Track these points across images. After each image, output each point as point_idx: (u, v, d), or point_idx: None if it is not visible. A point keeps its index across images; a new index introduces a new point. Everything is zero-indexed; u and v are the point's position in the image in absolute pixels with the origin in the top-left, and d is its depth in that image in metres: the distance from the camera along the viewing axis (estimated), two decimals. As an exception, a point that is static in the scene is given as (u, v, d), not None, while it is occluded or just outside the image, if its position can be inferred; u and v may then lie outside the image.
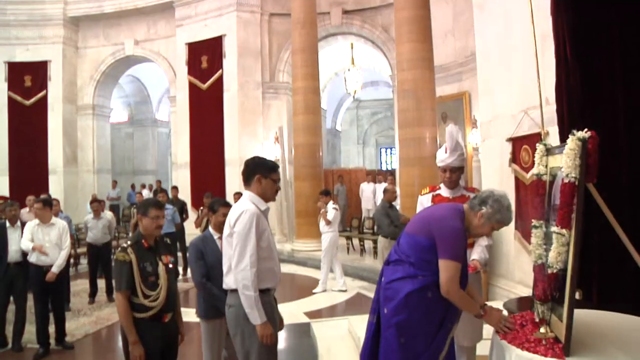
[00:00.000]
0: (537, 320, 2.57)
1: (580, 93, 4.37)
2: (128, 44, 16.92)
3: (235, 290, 3.26)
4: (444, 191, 3.94)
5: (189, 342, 5.84)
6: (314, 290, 8.94)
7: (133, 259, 3.44)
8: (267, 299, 3.31)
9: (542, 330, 2.44)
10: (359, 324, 5.93)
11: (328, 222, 8.96)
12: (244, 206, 3.29)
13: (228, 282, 3.32)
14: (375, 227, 11.09)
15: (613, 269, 4.11)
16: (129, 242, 3.55)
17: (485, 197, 2.82)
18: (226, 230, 3.34)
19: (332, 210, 9.01)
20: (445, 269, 2.71)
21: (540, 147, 2.84)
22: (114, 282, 3.53)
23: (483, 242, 3.84)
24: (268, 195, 3.42)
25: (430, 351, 2.74)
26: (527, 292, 5.61)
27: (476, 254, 3.80)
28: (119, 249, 3.55)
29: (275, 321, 3.38)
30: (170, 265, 3.68)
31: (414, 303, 2.76)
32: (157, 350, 3.52)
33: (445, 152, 3.85)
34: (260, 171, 3.40)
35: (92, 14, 16.85)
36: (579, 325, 2.31)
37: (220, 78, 14.72)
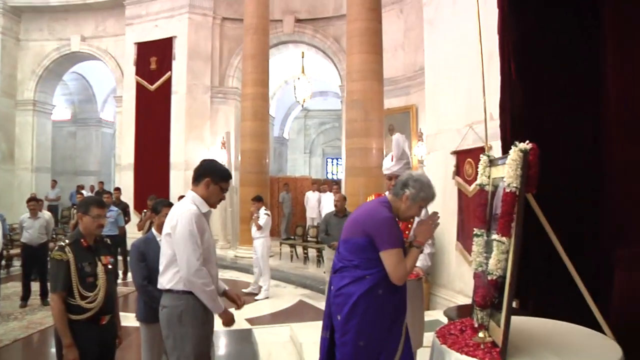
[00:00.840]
0: (476, 325, 2.64)
1: (523, 109, 4.54)
2: (74, 40, 16.45)
3: (169, 291, 3.20)
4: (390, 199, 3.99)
5: (127, 348, 5.69)
6: (256, 297, 8.92)
7: (71, 258, 3.31)
8: (202, 303, 3.23)
9: (480, 335, 2.50)
10: (301, 330, 5.94)
11: (259, 227, 9.00)
12: (185, 206, 3.22)
13: (162, 281, 3.24)
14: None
15: (549, 279, 4.27)
16: (66, 241, 3.40)
17: (406, 180, 2.94)
18: (166, 228, 3.25)
19: (264, 215, 9.05)
20: (388, 257, 2.78)
21: (483, 159, 2.93)
22: (49, 283, 3.37)
23: (426, 250, 3.94)
24: (212, 201, 3.34)
25: (389, 348, 2.80)
26: (467, 301, 5.75)
27: (419, 261, 3.88)
28: (56, 247, 3.40)
29: (207, 330, 3.34)
30: (110, 267, 3.56)
31: (367, 304, 2.79)
32: (93, 354, 3.38)
33: (392, 160, 3.92)
34: (211, 175, 3.31)
35: (36, 5, 16.31)
36: (515, 331, 2.38)
37: (169, 80, 14.52)
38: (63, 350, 3.28)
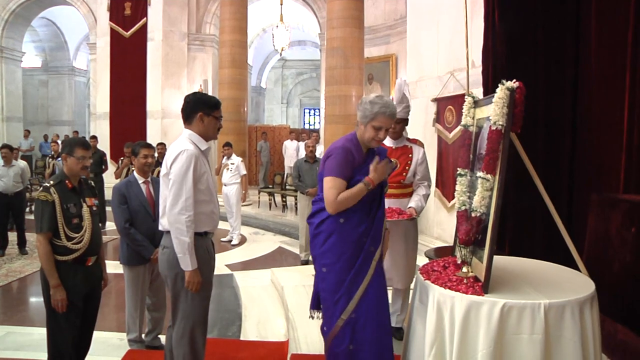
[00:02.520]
0: (459, 262, 2.72)
1: (505, 58, 4.56)
2: (43, -18, 15.83)
3: (169, 232, 3.10)
4: (387, 141, 4.03)
5: (107, 294, 5.74)
6: (232, 243, 9.06)
7: (56, 199, 3.28)
8: (205, 242, 3.20)
9: (464, 270, 2.58)
10: (282, 274, 6.05)
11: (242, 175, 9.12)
12: (182, 146, 3.07)
13: (163, 223, 3.15)
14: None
15: (524, 220, 4.41)
16: (51, 182, 3.36)
17: (358, 105, 2.96)
18: (163, 169, 3.15)
19: (240, 163, 9.11)
20: (325, 183, 2.83)
21: (468, 99, 2.95)
22: (34, 224, 3.34)
23: (421, 191, 4.04)
24: (210, 134, 3.21)
25: (352, 275, 2.80)
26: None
27: (413, 202, 3.98)
28: (41, 188, 3.37)
29: (211, 266, 3.30)
30: (95, 208, 3.55)
31: (327, 229, 2.84)
32: (80, 295, 3.40)
33: None
34: (202, 108, 3.13)
35: (-1, -57, 15.62)
36: (495, 268, 2.46)
37: (144, 26, 14.15)
38: (50, 291, 3.29)
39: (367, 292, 2.81)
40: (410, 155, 4.04)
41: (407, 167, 4.00)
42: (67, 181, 3.40)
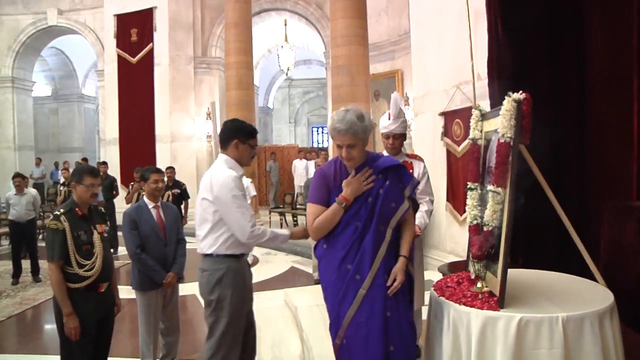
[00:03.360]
0: (472, 277, 2.69)
1: (511, 68, 4.55)
2: (51, 13, 16.10)
3: (208, 255, 3.23)
4: None
5: (120, 319, 5.71)
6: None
7: (66, 227, 3.30)
8: (240, 265, 3.28)
9: (478, 285, 2.55)
10: (295, 294, 6.02)
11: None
12: (221, 172, 3.20)
13: (202, 246, 3.27)
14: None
15: (537, 233, 4.35)
16: (61, 210, 3.39)
17: None
18: (202, 193, 3.24)
19: (250, 184, 9.02)
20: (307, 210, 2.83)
21: (475, 112, 2.94)
22: (46, 252, 3.36)
23: (423, 207, 3.87)
24: (244, 161, 3.34)
25: (337, 302, 2.65)
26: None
27: (416, 219, 3.76)
28: (51, 217, 3.40)
29: (249, 288, 3.39)
30: (105, 235, 3.57)
31: (318, 255, 2.81)
32: (93, 322, 3.41)
33: (389, 119, 3.88)
34: (237, 136, 3.28)
35: (7, -23, 15.91)
36: (510, 282, 2.42)
37: (151, 52, 14.29)
38: (63, 319, 3.30)
39: (355, 321, 2.59)
40: (410, 171, 3.83)
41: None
42: (77, 209, 3.42)
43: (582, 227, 4.23)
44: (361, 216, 2.64)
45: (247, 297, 3.37)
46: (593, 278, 2.83)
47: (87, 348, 3.39)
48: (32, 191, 8.85)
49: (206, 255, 3.25)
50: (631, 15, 3.87)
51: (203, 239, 3.26)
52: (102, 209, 3.79)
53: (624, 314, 2.54)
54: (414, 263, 3.32)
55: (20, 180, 8.56)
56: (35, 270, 8.30)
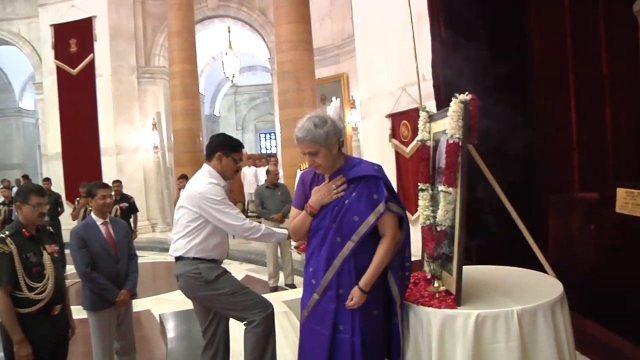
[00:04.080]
0: (428, 277, 2.73)
1: (454, 68, 4.65)
2: (-21, 23, 15.40)
3: (180, 258, 3.38)
4: None
5: (74, 341, 5.52)
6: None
7: (13, 250, 3.14)
8: (216, 266, 3.45)
9: (435, 285, 2.59)
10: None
11: None
12: (203, 180, 3.33)
13: (174, 247, 3.43)
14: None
15: (486, 229, 4.46)
16: (7, 232, 3.22)
17: None
18: (182, 202, 3.40)
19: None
20: None
21: (423, 114, 2.99)
22: None
23: None
24: (227, 174, 3.46)
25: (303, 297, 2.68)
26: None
27: None
28: None
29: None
30: (56, 255, 3.42)
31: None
32: (47, 347, 3.25)
33: None
34: (221, 149, 3.40)
35: None
36: (465, 279, 2.47)
37: (92, 62, 13.88)
38: (14, 348, 3.12)
39: (308, 326, 2.60)
40: None
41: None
42: (23, 230, 3.27)
43: (532, 220, 4.38)
44: (324, 224, 2.58)
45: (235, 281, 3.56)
46: (544, 270, 2.92)
47: None
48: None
49: (179, 259, 3.42)
50: (563, 16, 4.04)
51: (174, 242, 3.44)
52: (50, 228, 3.64)
53: (571, 301, 2.62)
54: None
55: None
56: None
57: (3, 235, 3.17)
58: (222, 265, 3.57)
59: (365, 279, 2.46)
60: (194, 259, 3.36)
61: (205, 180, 3.33)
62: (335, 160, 2.60)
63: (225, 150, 3.40)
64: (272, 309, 3.51)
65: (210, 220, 3.29)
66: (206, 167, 3.42)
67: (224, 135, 3.63)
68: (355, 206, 2.50)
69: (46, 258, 3.29)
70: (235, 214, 3.31)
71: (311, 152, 2.54)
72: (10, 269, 3.11)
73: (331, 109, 4.04)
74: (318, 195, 2.60)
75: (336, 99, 4.20)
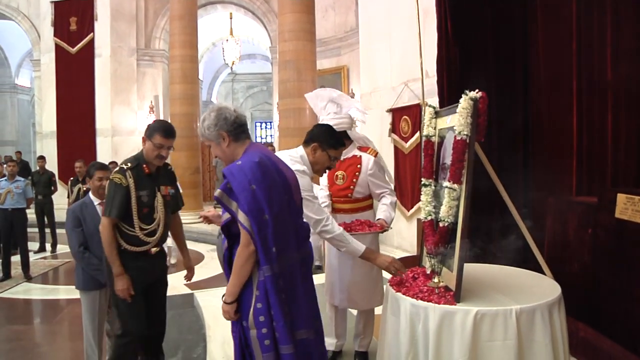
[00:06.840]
0: (428, 272, 2.73)
1: (459, 67, 4.65)
2: (-23, -3, 15.22)
3: None
4: None
5: (62, 321, 5.54)
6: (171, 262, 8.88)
7: (131, 184, 3.18)
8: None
9: (434, 280, 2.59)
10: (245, 291, 5.93)
11: None
12: (296, 165, 3.00)
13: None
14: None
15: (485, 228, 4.47)
16: (129, 164, 3.25)
17: None
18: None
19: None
20: None
21: (429, 110, 2.98)
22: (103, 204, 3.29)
23: (386, 200, 3.68)
24: (317, 168, 3.14)
25: None
26: (405, 256, 5.94)
27: (381, 213, 3.62)
28: (117, 169, 3.27)
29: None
30: (168, 199, 3.45)
31: None
32: (143, 284, 3.36)
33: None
34: (319, 141, 3.09)
35: None
36: (465, 276, 2.47)
37: (92, 42, 13.79)
38: (114, 280, 3.26)
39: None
40: (358, 166, 3.70)
41: (354, 180, 3.68)
42: (144, 165, 3.29)
43: (529, 222, 4.40)
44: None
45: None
46: (541, 271, 2.93)
47: (139, 309, 3.38)
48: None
49: None
50: (571, 20, 4.03)
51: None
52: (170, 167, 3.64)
53: (565, 303, 2.64)
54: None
55: None
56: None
57: (125, 167, 3.22)
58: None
59: (227, 290, 2.50)
60: None
61: (294, 166, 2.94)
62: (233, 152, 2.51)
63: (322, 144, 3.09)
64: None
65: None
66: (301, 151, 3.14)
67: (328, 127, 3.27)
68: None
69: (159, 201, 3.32)
70: (316, 208, 3.03)
71: (209, 145, 2.57)
72: (122, 202, 3.16)
73: (350, 107, 3.88)
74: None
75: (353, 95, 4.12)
